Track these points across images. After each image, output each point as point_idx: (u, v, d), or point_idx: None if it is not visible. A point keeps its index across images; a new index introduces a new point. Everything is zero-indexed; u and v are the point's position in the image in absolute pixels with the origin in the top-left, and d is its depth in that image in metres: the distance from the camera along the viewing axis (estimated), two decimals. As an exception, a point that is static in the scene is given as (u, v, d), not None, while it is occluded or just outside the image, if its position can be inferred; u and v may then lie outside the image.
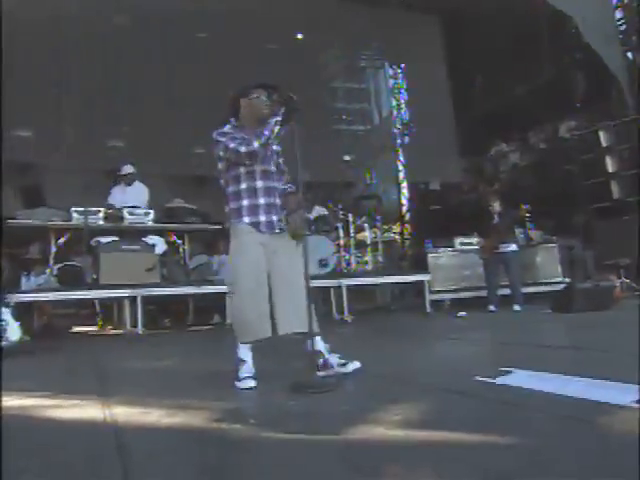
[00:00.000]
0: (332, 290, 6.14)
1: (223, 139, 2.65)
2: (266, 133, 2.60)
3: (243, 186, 2.67)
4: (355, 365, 2.70)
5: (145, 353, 4.26)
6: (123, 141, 8.64)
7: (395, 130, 11.26)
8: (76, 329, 6.26)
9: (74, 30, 7.87)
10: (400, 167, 11.20)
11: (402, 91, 11.33)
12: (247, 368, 2.62)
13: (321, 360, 2.65)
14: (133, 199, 6.09)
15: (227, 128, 2.73)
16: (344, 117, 10.79)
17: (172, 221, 6.09)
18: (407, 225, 10.97)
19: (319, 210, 7.25)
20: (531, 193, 8.20)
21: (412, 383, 2.60)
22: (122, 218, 5.70)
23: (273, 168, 2.75)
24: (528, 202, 6.21)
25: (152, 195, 6.38)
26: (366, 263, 7.06)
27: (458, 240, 7.02)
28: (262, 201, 2.66)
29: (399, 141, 11.22)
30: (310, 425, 1.94)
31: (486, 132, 10.09)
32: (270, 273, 2.59)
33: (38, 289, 5.17)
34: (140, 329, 5.05)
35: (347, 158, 10.46)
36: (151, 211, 5.84)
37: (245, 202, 2.66)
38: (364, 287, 6.83)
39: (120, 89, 8.14)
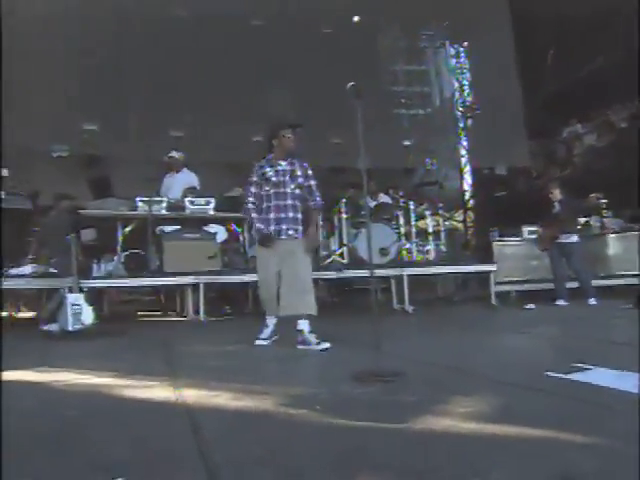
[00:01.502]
0: (393, 280, 6.12)
1: (251, 177, 3.79)
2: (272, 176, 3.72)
3: (263, 205, 3.75)
4: (325, 345, 3.45)
5: (208, 338, 4.44)
6: (184, 131, 8.94)
7: (457, 112, 10.94)
8: (142, 314, 6.59)
9: (136, 23, 8.22)
10: (463, 151, 10.91)
11: (465, 71, 10.96)
12: (266, 332, 3.72)
13: (300, 337, 3.56)
14: (180, 186, 6.28)
15: (260, 164, 3.78)
16: (404, 101, 10.62)
17: (232, 210, 6.20)
18: (470, 213, 10.69)
19: (384, 198, 7.21)
20: (609, 178, 7.71)
21: (479, 376, 2.56)
22: (184, 207, 5.91)
23: (289, 190, 3.70)
24: (605, 187, 5.86)
25: (212, 184, 6.57)
26: (428, 252, 6.92)
27: (526, 229, 6.77)
28: (272, 215, 3.70)
29: (462, 124, 10.90)
30: (377, 414, 1.96)
31: (558, 112, 9.54)
32: (281, 268, 3.61)
33: (107, 276, 5.49)
34: (202, 315, 5.25)
35: (407, 143, 10.30)
36: (212, 200, 6.01)
37: (263, 215, 3.73)
38: (426, 277, 6.76)
39: (181, 79, 8.42)
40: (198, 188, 6.42)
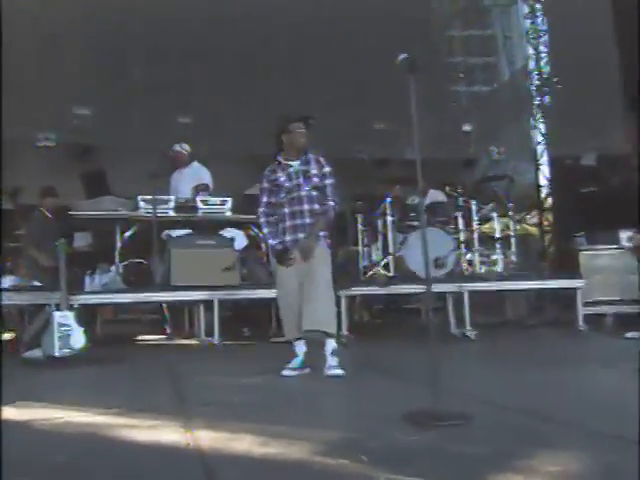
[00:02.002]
0: (450, 297, 6.07)
1: (262, 184, 4.08)
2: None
3: (277, 213, 3.98)
4: (338, 371, 3.67)
5: (225, 367, 4.47)
6: (194, 117, 9.09)
7: (532, 88, 10.74)
8: (144, 337, 6.70)
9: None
10: (539, 137, 10.75)
11: (542, 34, 10.75)
12: (296, 361, 3.85)
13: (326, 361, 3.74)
14: (189, 183, 6.39)
15: (270, 168, 4.03)
16: (462, 75, 10.51)
17: (253, 211, 6.27)
18: (548, 214, 10.52)
19: (435, 195, 7.16)
20: None
21: (568, 424, 2.47)
22: (196, 208, 6.01)
23: (304, 193, 3.91)
24: None
25: (229, 180, 6.65)
26: (494, 263, 6.79)
27: (624, 234, 6.57)
28: (287, 223, 3.93)
29: (537, 102, 10.70)
30: (437, 468, 1.91)
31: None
32: (301, 281, 3.80)
33: (103, 290, 5.60)
34: (216, 338, 5.31)
35: (468, 128, 10.18)
36: (229, 199, 6.10)
37: (279, 224, 3.98)
38: (492, 294, 6.71)
39: (191, 54, 8.58)
40: (211, 185, 6.51)
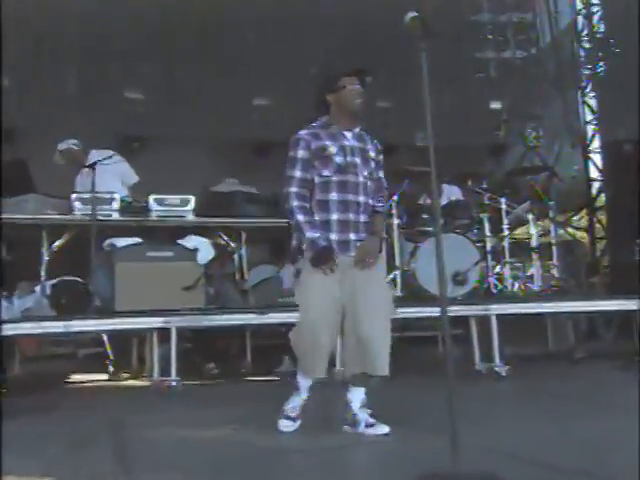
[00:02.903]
0: (474, 322, 6.07)
1: (295, 152, 3.65)
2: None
3: (318, 199, 3.64)
4: (384, 429, 3.50)
5: (186, 416, 4.43)
6: (144, 90, 9.12)
7: (581, 53, 10.83)
8: (79, 377, 6.62)
9: None
10: (588, 116, 10.84)
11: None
12: (295, 403, 3.71)
13: (349, 413, 3.63)
14: (103, 180, 6.29)
15: (310, 131, 3.68)
16: (491, 37, 10.52)
17: (222, 214, 6.35)
18: (601, 214, 10.59)
19: (451, 191, 7.20)
20: None
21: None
22: (148, 209, 6.03)
23: (361, 178, 3.65)
24: None
25: (192, 174, 6.65)
26: (530, 279, 6.87)
27: None
28: (335, 216, 3.59)
29: (587, 72, 10.78)
30: None
31: None
32: (345, 302, 3.54)
33: (24, 317, 5.55)
34: (174, 378, 5.24)
35: (496, 106, 10.21)
36: (191, 198, 6.13)
37: (317, 216, 3.61)
38: (527, 318, 6.68)
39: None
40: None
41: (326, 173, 3.59)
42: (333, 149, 3.60)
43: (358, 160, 3.64)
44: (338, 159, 3.59)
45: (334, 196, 3.59)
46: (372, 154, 3.73)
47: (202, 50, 8.73)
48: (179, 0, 8.88)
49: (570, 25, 10.86)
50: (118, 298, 5.54)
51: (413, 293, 6.27)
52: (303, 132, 3.68)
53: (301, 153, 3.62)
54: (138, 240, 5.92)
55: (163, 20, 8.73)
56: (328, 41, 9.02)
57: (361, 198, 3.63)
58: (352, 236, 3.59)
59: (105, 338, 6.58)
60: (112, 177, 6.46)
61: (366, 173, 3.66)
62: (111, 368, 6.60)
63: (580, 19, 10.82)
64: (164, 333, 5.36)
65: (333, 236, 3.56)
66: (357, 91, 3.64)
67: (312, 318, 3.51)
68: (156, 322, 5.34)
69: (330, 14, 8.93)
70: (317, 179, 3.62)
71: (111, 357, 6.68)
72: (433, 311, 5.59)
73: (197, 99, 8.76)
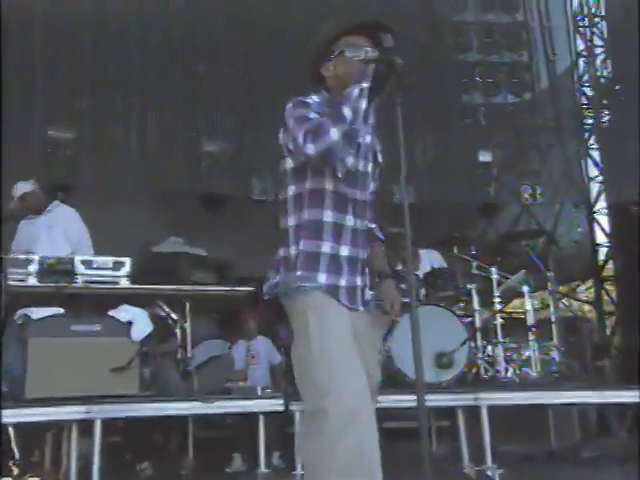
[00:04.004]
0: (460, 413, 6.01)
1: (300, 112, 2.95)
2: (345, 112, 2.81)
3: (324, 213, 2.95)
4: None
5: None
6: (76, 128, 9.01)
7: (582, 99, 11.10)
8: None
9: None
10: (593, 171, 11.06)
11: (597, 20, 11.03)
12: None
13: None
14: (56, 234, 6.37)
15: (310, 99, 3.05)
16: (479, 79, 10.61)
17: (163, 280, 6.24)
18: (610, 285, 10.67)
19: (431, 257, 7.23)
20: None
21: None
22: (73, 273, 5.89)
23: (370, 186, 3.14)
24: None
25: (129, 231, 6.52)
26: (526, 362, 6.88)
27: None
28: (345, 251, 2.94)
29: (589, 121, 10.98)
30: None
31: None
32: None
33: None
34: (95, 480, 5.12)
35: (486, 158, 10.30)
36: (126, 261, 6.02)
37: (326, 245, 2.90)
38: (524, 411, 6.74)
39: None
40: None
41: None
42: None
43: (369, 164, 3.13)
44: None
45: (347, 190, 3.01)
46: (379, 157, 3.25)
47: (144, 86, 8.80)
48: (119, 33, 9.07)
49: (570, 68, 11.12)
50: (29, 382, 5.34)
51: (390, 378, 6.17)
52: (307, 98, 3.06)
53: (309, 113, 2.94)
54: (59, 310, 5.75)
55: (97, 56, 8.90)
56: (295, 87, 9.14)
57: (366, 220, 3.12)
58: (359, 282, 3.04)
59: (11, 432, 6.36)
60: (57, 231, 6.51)
61: (372, 186, 3.18)
62: (16, 471, 6.36)
63: (579, 65, 11.14)
64: (86, 426, 5.23)
65: (341, 281, 2.94)
66: (364, 57, 2.91)
67: (354, 390, 2.73)
68: (76, 412, 5.19)
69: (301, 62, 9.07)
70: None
71: (17, 456, 6.46)
72: (410, 400, 5.55)
73: (136, 142, 8.74)
